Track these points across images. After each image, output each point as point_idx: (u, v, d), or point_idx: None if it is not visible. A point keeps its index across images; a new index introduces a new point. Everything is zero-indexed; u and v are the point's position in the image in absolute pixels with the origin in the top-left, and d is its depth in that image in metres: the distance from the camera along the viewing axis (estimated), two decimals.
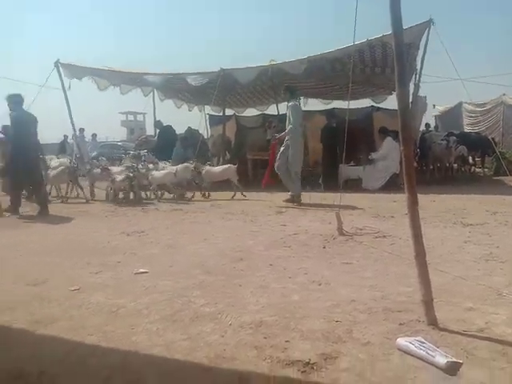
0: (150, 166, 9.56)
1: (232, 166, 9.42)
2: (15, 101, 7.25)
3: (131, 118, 62.54)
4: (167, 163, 10.03)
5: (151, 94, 14.00)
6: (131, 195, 8.92)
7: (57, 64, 11.14)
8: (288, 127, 7.86)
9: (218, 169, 9.58)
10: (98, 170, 9.26)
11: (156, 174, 9.02)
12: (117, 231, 5.69)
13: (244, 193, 8.95)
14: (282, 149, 7.99)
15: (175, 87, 12.76)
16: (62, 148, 20.37)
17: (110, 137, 36.98)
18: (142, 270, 3.83)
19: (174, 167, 9.23)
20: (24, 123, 7.25)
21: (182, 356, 2.28)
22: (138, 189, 8.80)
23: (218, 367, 2.16)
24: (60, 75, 11.24)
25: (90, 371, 2.17)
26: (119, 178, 8.52)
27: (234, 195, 8.94)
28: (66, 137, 20.38)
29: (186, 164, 9.37)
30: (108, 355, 2.33)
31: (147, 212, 7.41)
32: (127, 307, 2.99)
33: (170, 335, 2.53)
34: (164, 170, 9.16)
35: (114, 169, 9.27)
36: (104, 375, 2.11)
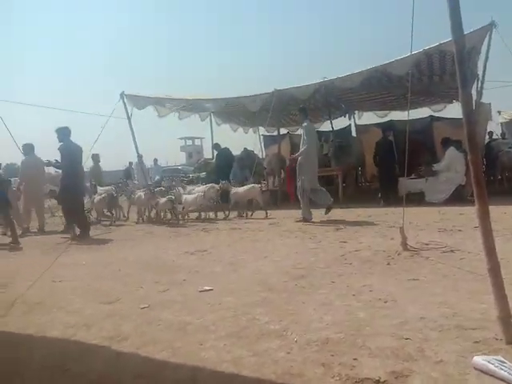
0: (181, 189, 10.27)
1: (256, 185, 9.67)
2: (64, 133, 7.94)
3: (189, 142, 64.88)
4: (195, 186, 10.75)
5: (208, 118, 14.53)
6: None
7: (122, 95, 11.90)
8: (303, 147, 8.08)
9: (243, 189, 9.81)
10: (142, 195, 9.88)
11: (187, 197, 9.56)
12: (181, 250, 5.90)
13: (268, 212, 9.16)
14: (297, 170, 8.26)
15: (230, 111, 13.18)
16: (127, 174, 21.55)
17: (170, 161, 38.57)
18: (206, 288, 3.94)
19: (202, 188, 9.78)
20: (73, 153, 7.96)
21: (249, 372, 2.31)
22: (176, 210, 9.41)
23: (286, 383, 2.16)
24: (125, 105, 11.98)
25: None
26: (162, 200, 9.22)
27: (266, 215, 9.09)
28: (130, 163, 21.57)
29: (212, 184, 9.88)
30: (178, 370, 2.41)
31: (208, 232, 7.61)
32: (194, 324, 3.08)
33: (237, 351, 2.57)
34: (194, 194, 9.67)
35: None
36: None
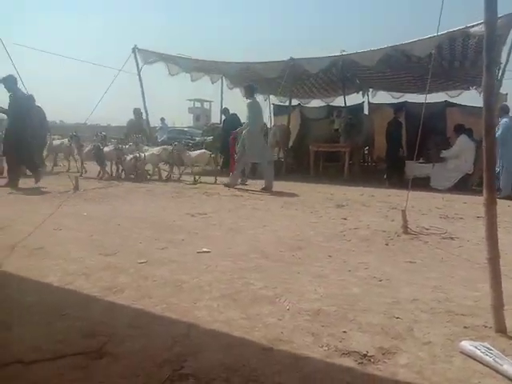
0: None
1: (207, 151, 10.14)
2: (11, 81, 8.01)
3: (198, 105, 64.05)
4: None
5: (219, 82, 14.25)
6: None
7: (134, 49, 11.67)
8: (246, 123, 8.65)
9: (194, 153, 10.21)
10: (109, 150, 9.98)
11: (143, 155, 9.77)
12: (182, 212, 5.93)
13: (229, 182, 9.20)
14: (240, 143, 8.80)
15: (243, 76, 12.89)
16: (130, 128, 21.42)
17: (177, 122, 38.17)
18: (204, 250, 3.98)
19: (156, 149, 10.12)
20: (19, 101, 8.08)
21: (241, 333, 2.36)
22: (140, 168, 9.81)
23: (275, 348, 2.21)
24: (136, 60, 11.77)
25: (154, 338, 2.31)
26: (128, 157, 9.54)
27: (215, 181, 9.46)
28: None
29: (164, 146, 10.28)
30: (171, 325, 2.46)
31: (210, 196, 7.63)
32: (190, 283, 3.12)
33: (230, 313, 2.62)
34: (148, 152, 9.91)
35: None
36: (167, 343, 2.24)
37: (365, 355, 2.15)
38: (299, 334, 2.37)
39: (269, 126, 14.54)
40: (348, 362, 2.10)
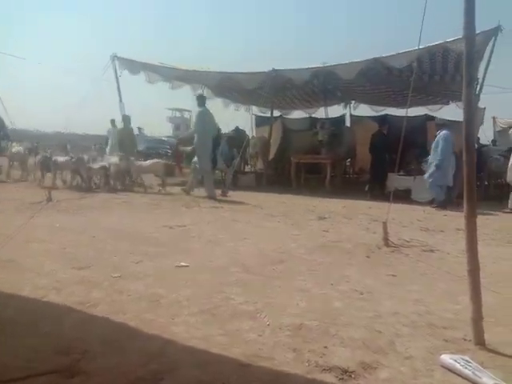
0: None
1: (160, 161, 10.27)
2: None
3: (178, 114, 63.83)
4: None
5: (200, 91, 14.19)
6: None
7: (113, 58, 11.56)
8: (193, 131, 9.24)
9: (146, 163, 10.29)
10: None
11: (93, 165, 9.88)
12: (159, 224, 5.81)
13: (166, 189, 9.58)
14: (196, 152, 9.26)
15: (225, 86, 12.89)
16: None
17: (156, 132, 37.70)
18: (183, 264, 3.88)
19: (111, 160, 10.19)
20: None
21: (219, 350, 2.28)
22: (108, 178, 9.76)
23: (255, 365, 2.14)
24: (115, 69, 11.66)
25: (129, 354, 2.21)
26: (96, 167, 9.61)
27: (163, 187, 9.61)
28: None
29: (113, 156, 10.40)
30: (147, 341, 2.37)
31: (189, 208, 7.52)
32: (167, 298, 3.03)
33: (208, 329, 2.54)
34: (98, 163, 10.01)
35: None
36: (142, 360, 2.15)
37: (346, 371, 2.11)
38: (280, 349, 2.31)
39: (250, 136, 14.59)
40: (329, 378, 2.05)
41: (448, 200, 8.54)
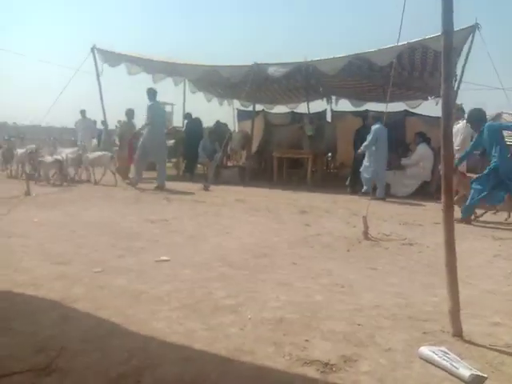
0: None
1: (107, 153, 10.09)
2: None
3: None
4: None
5: (182, 85, 14.02)
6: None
7: (93, 49, 11.30)
8: (145, 125, 9.45)
9: (93, 155, 10.23)
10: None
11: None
12: (141, 218, 5.75)
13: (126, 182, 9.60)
14: (140, 142, 9.44)
15: (208, 80, 12.76)
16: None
17: (138, 125, 37.21)
18: (163, 258, 3.86)
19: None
20: None
21: (201, 345, 2.28)
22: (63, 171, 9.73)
23: (237, 360, 2.14)
24: (95, 61, 11.40)
25: (109, 352, 2.19)
26: (48, 160, 9.51)
27: (115, 183, 9.47)
28: (93, 122, 20.73)
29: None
30: (128, 337, 2.35)
31: (170, 202, 7.46)
32: (148, 293, 3.01)
33: (189, 324, 2.53)
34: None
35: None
36: (123, 357, 2.13)
37: (327, 364, 2.13)
38: (261, 344, 2.32)
39: (232, 130, 14.53)
40: (310, 372, 2.07)
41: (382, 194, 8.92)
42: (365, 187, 9.00)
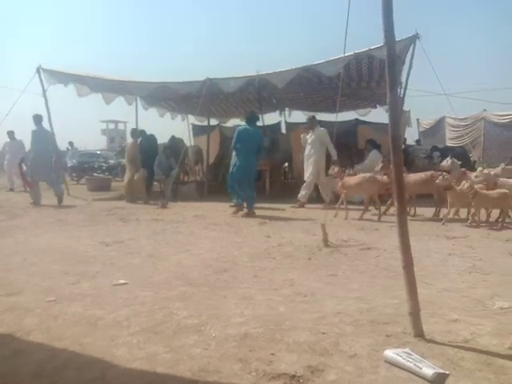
0: None
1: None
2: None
3: (112, 126, 61.67)
4: None
5: (134, 102, 13.80)
6: None
7: (39, 70, 10.91)
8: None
9: None
10: None
11: None
12: (95, 241, 5.53)
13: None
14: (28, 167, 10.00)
15: (160, 95, 12.61)
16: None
17: (89, 145, 36.10)
18: (121, 281, 3.71)
19: None
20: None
21: (164, 369, 2.20)
22: None
23: (202, 380, 2.08)
24: (41, 81, 11.01)
25: None
26: None
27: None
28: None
29: None
30: (86, 368, 2.23)
31: (127, 222, 7.24)
32: (106, 319, 2.88)
33: (151, 348, 2.43)
34: None
35: None
36: None
37: (294, 376, 2.11)
38: (227, 361, 2.27)
39: (188, 146, 14.40)
40: None
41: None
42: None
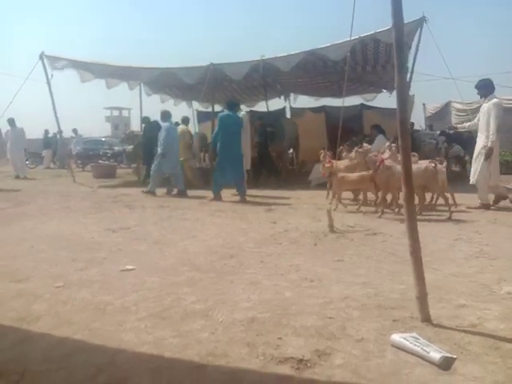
0: None
1: None
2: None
3: (116, 113, 61.61)
4: None
5: (137, 88, 13.72)
6: None
7: (42, 56, 10.85)
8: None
9: None
10: None
11: None
12: (102, 227, 5.56)
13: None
14: None
15: (164, 82, 12.52)
16: (46, 143, 20.07)
17: (94, 133, 36.17)
18: (128, 267, 3.74)
19: None
20: None
21: (172, 354, 2.21)
22: None
23: (210, 364, 2.09)
24: (45, 68, 10.97)
25: (75, 369, 2.09)
26: None
27: None
28: (46, 131, 20.10)
29: None
30: (95, 352, 2.25)
31: (133, 209, 7.27)
32: (114, 304, 2.90)
33: (159, 333, 2.45)
34: None
35: None
36: (90, 373, 2.04)
37: (301, 360, 2.12)
38: (234, 346, 2.28)
39: (193, 132, 14.35)
40: (285, 370, 2.05)
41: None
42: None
